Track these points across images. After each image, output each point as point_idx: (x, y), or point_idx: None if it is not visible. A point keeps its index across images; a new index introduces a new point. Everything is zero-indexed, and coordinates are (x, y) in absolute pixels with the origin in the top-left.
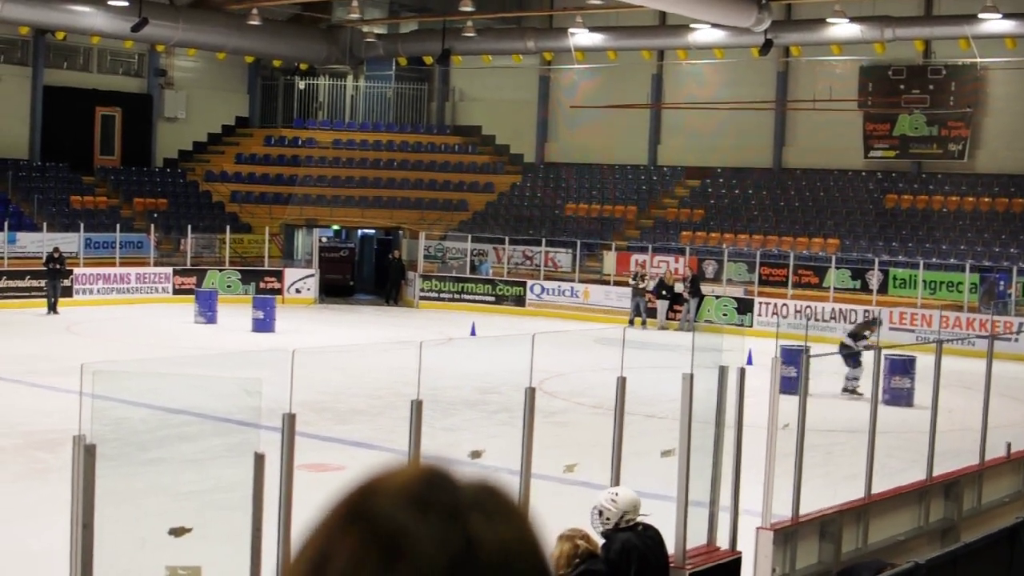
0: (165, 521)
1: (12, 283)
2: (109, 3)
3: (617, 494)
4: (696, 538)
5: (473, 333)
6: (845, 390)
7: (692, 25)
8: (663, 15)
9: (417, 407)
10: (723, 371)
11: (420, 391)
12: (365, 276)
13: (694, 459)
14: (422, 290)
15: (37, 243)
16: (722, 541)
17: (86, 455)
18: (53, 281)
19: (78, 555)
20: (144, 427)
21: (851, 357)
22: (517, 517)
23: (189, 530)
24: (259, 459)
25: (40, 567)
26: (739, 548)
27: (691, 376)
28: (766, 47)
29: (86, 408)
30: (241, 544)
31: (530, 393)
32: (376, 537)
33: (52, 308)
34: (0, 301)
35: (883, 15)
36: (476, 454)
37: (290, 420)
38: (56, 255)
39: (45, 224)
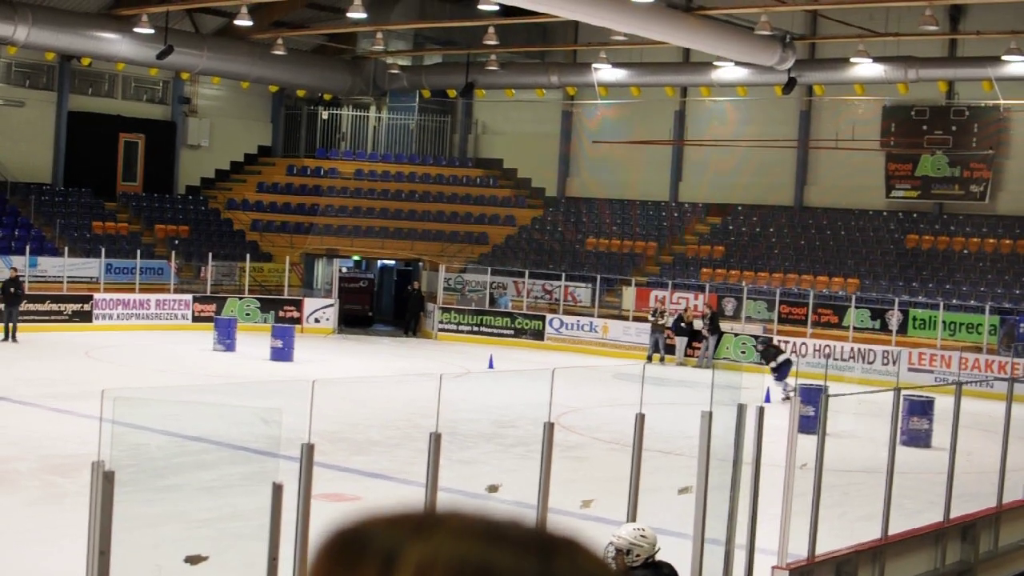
0: (181, 548)
1: (32, 307)
2: (135, 30)
3: (643, 531)
4: None
5: (491, 366)
6: (787, 399)
7: (716, 63)
8: (687, 52)
9: (436, 440)
10: (741, 409)
11: (439, 423)
12: (384, 307)
13: (711, 497)
14: (441, 322)
15: (58, 268)
16: None
17: (104, 482)
18: (11, 308)
19: None
20: (161, 454)
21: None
22: (591, 552)
23: (205, 558)
24: (277, 489)
25: None
26: None
27: (710, 414)
28: (789, 86)
29: (105, 434)
30: (256, 573)
31: (549, 428)
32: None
33: (11, 336)
34: (20, 325)
35: (907, 55)
36: (493, 488)
37: (308, 450)
38: (14, 278)
39: (66, 249)
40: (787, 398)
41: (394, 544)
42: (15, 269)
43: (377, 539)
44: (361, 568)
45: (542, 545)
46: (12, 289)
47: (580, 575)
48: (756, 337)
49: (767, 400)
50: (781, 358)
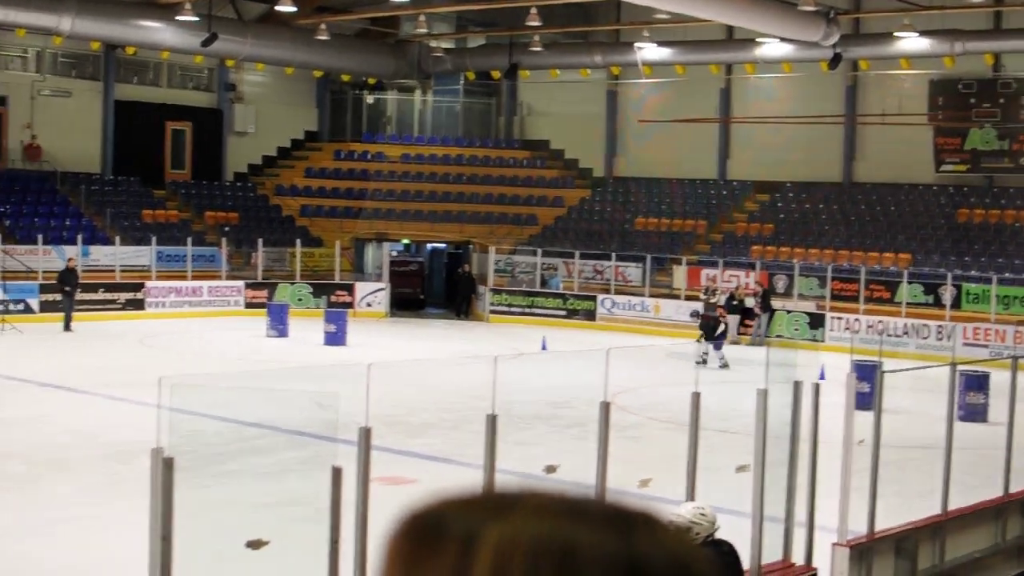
0: (240, 534)
1: (85, 296)
2: (179, 18)
3: (703, 509)
4: (771, 554)
5: (544, 347)
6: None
7: (760, 39)
8: (731, 29)
9: (492, 421)
10: (798, 386)
11: (495, 405)
12: (435, 290)
13: (768, 474)
14: (492, 304)
15: (110, 257)
16: (797, 557)
17: (164, 468)
18: (68, 298)
19: (157, 567)
20: (218, 440)
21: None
22: (670, 526)
23: (266, 543)
24: (336, 473)
25: None
26: (814, 564)
27: (765, 391)
28: (835, 61)
29: (163, 421)
30: (316, 557)
31: (605, 408)
32: (548, 552)
33: (67, 325)
34: (74, 314)
35: (952, 28)
36: (551, 468)
37: (366, 434)
38: (71, 269)
39: (118, 238)
40: (725, 365)
41: (473, 525)
42: (71, 259)
43: (455, 521)
44: (441, 551)
45: (621, 521)
46: (68, 279)
47: (661, 549)
48: (695, 313)
49: (822, 377)
50: (721, 328)
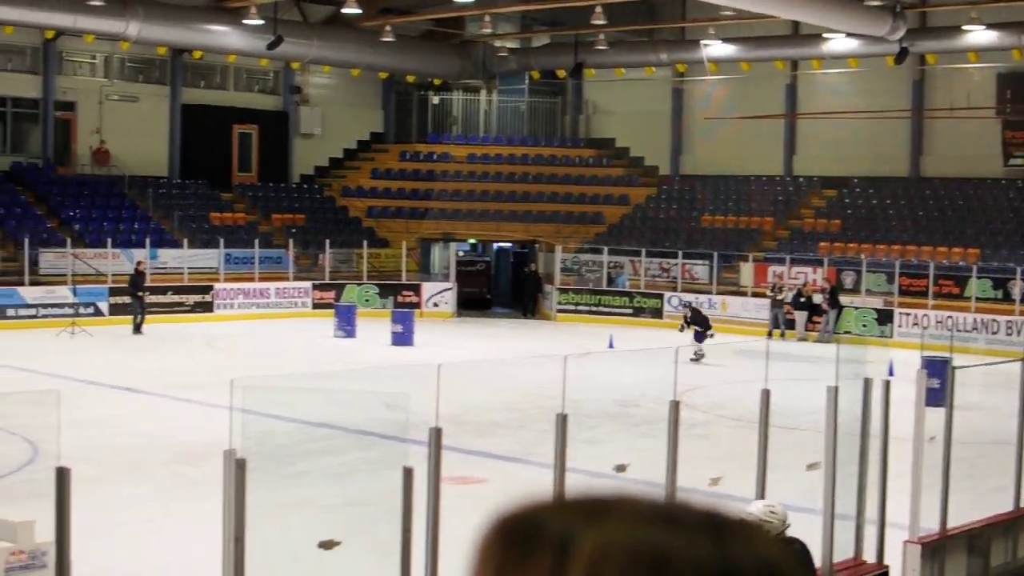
0: (312, 534)
1: (153, 298)
2: (244, 22)
3: (773, 507)
4: (843, 552)
5: (611, 346)
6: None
7: (826, 35)
8: (796, 25)
9: (562, 421)
10: (868, 383)
11: (565, 404)
12: (502, 289)
13: (839, 472)
14: (559, 303)
15: (178, 259)
16: (869, 555)
17: (237, 469)
18: (138, 300)
19: (231, 569)
20: (288, 441)
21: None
22: (765, 534)
23: (338, 543)
24: (408, 473)
25: None
26: (886, 562)
27: (836, 388)
28: (901, 55)
29: (236, 422)
30: (388, 557)
31: (675, 406)
32: (642, 559)
33: (138, 328)
34: (143, 317)
35: (1020, 21)
36: (621, 467)
37: (436, 434)
38: (141, 272)
39: (186, 240)
40: (698, 358)
41: (568, 531)
42: (141, 263)
43: (550, 526)
44: (535, 555)
45: (714, 527)
46: (138, 282)
47: (753, 555)
48: (687, 304)
49: (891, 374)
50: (709, 328)
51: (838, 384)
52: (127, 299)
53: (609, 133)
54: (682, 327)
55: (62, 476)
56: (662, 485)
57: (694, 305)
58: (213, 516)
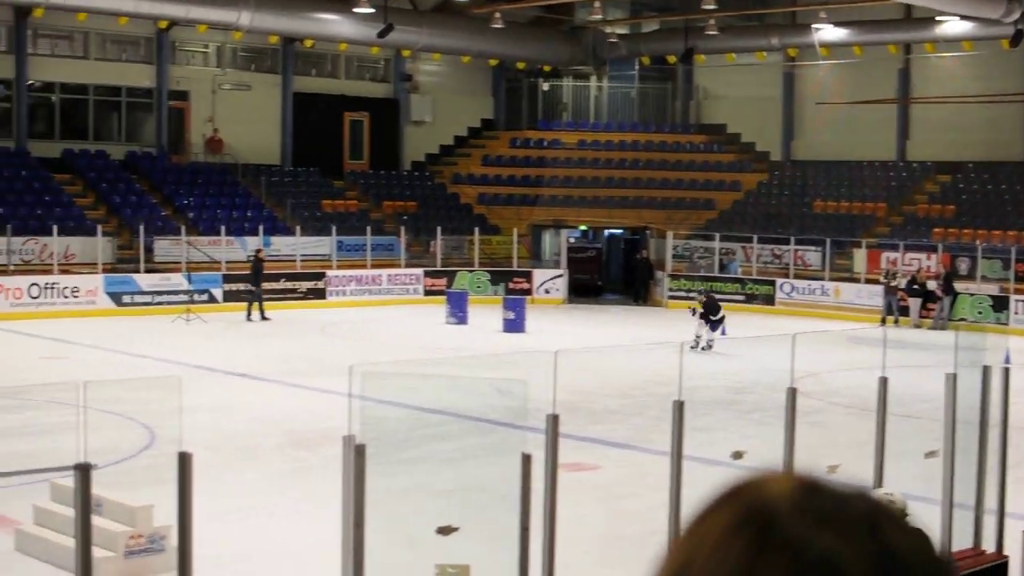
0: (427, 519)
1: (269, 286)
2: (355, 10)
3: (892, 495)
4: (961, 541)
5: (723, 333)
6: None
7: (939, 18)
8: (908, 8)
9: (679, 408)
10: (987, 371)
11: (681, 391)
12: (613, 276)
13: (957, 460)
14: (670, 289)
15: (291, 247)
16: (988, 544)
17: (356, 455)
18: (256, 287)
19: (350, 552)
20: (401, 427)
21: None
22: (909, 524)
23: (456, 529)
24: (526, 459)
25: (305, 563)
26: (1005, 552)
27: (955, 376)
28: (1016, 38)
29: (355, 408)
30: (504, 542)
31: (791, 393)
32: (806, 566)
33: (261, 314)
34: (257, 304)
35: None
36: (738, 455)
37: (553, 421)
38: (261, 258)
39: (298, 228)
40: (709, 347)
41: (819, 541)
42: (260, 250)
43: (791, 530)
44: (773, 559)
45: (864, 520)
46: (258, 269)
47: (909, 545)
48: (702, 291)
49: (1007, 361)
50: (721, 314)
51: (956, 371)
52: (243, 287)
53: (720, 119)
54: (693, 311)
55: (184, 461)
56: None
57: (710, 292)
58: (328, 500)
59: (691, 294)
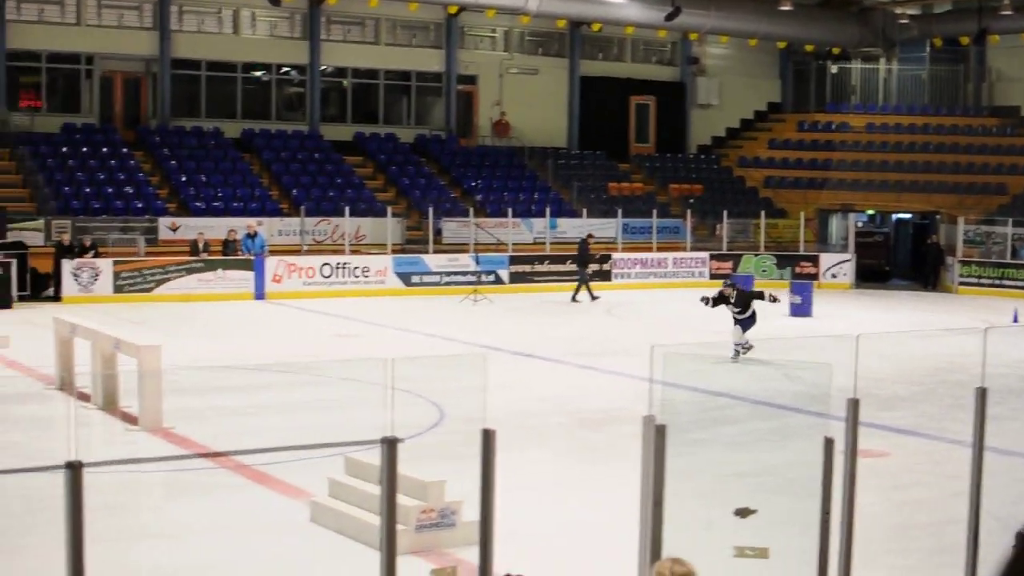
0: (717, 501)
1: (553, 267)
2: None
3: None
4: None
5: (1015, 320)
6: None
7: None
8: None
9: (981, 395)
10: None
11: (984, 378)
12: (900, 261)
13: None
14: (961, 275)
15: (576, 228)
16: None
17: (656, 435)
18: (583, 269)
19: (648, 531)
20: (688, 408)
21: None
22: None
23: (754, 511)
24: (828, 444)
25: (600, 541)
26: None
27: None
28: None
29: (656, 390)
30: (798, 528)
31: None
32: None
33: (588, 294)
34: (541, 284)
35: None
36: None
37: (854, 405)
38: (586, 240)
39: (584, 210)
40: (737, 353)
41: None
42: (591, 235)
43: None
44: None
45: None
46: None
47: None
48: (729, 282)
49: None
50: (751, 311)
51: None
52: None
53: (1014, 101)
54: (706, 300)
55: (487, 437)
56: None
57: (738, 285)
58: (617, 480)
59: (981, 280)
